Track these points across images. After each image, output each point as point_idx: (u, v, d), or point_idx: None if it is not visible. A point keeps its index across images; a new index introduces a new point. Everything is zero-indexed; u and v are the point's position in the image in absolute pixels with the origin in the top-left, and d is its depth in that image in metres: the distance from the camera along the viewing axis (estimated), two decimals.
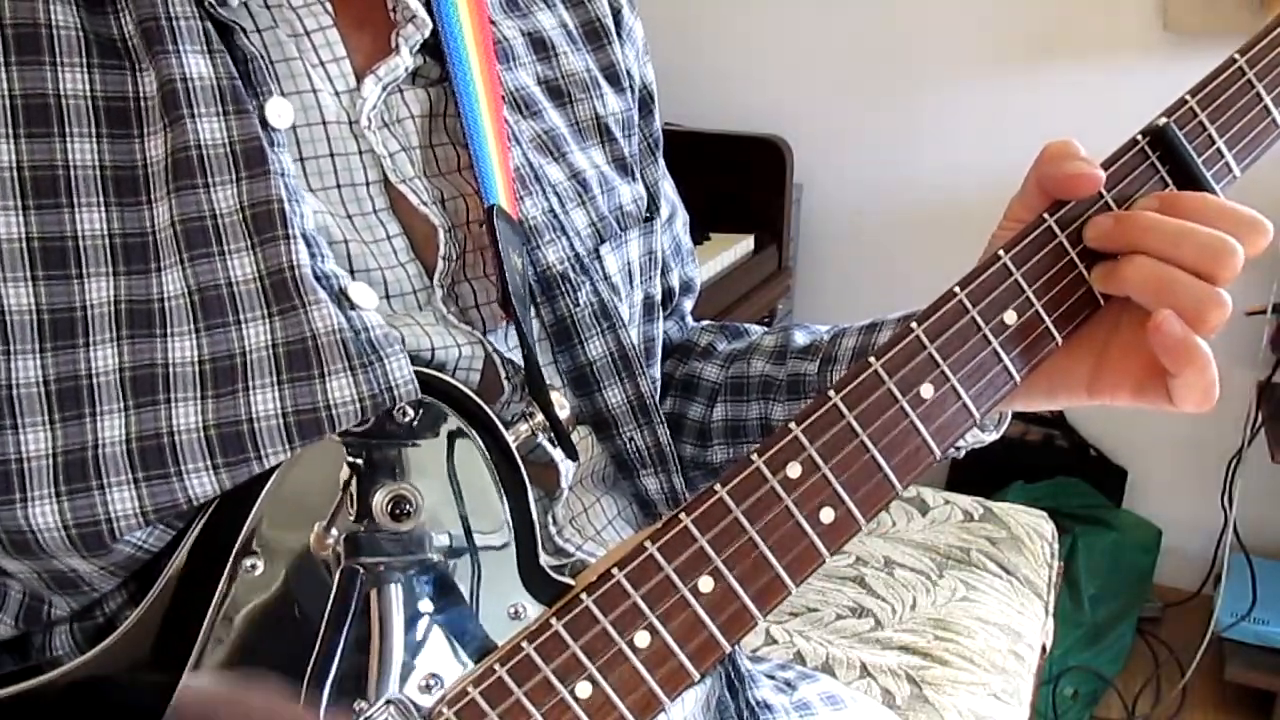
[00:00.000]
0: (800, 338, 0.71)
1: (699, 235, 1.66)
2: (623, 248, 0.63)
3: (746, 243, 1.81)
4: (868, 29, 2.06)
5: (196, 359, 0.43)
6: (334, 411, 0.43)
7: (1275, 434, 1.79)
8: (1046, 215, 0.49)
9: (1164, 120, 0.50)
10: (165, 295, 0.44)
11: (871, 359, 0.47)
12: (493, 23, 0.58)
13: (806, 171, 2.08)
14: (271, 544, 0.44)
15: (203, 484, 0.43)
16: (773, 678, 0.79)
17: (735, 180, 1.94)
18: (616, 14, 0.66)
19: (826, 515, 0.47)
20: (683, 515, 0.46)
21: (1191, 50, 1.83)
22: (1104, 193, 0.49)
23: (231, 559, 0.44)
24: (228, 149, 0.44)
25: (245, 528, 0.44)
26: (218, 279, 0.44)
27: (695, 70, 2.08)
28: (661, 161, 0.70)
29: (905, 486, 0.48)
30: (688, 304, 0.78)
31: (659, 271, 0.67)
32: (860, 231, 2.18)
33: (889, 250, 2.16)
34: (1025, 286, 0.49)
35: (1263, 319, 1.84)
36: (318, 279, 0.45)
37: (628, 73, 0.66)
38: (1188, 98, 0.50)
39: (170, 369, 0.43)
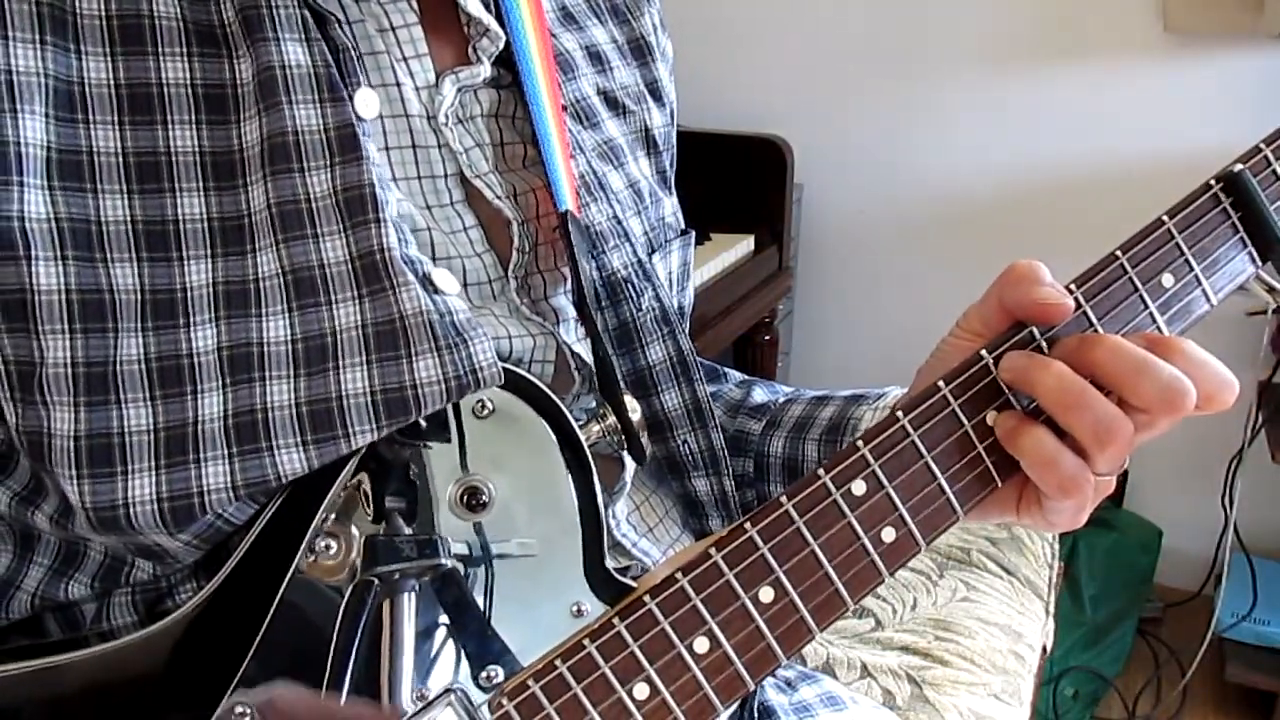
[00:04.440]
0: (759, 395, 0.73)
1: (699, 235, 1.66)
2: (667, 258, 0.65)
3: (746, 243, 1.81)
4: (868, 29, 2.06)
5: (289, 338, 0.45)
6: (420, 391, 0.45)
7: (1275, 434, 1.79)
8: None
9: (1239, 166, 0.50)
10: (260, 276, 0.45)
11: (940, 382, 0.48)
12: (552, 35, 0.60)
13: (806, 171, 2.08)
14: (346, 525, 0.45)
15: (292, 461, 0.44)
16: (774, 676, 0.79)
17: (735, 180, 1.94)
18: (655, 31, 0.68)
19: (888, 534, 0.47)
20: (748, 525, 0.46)
21: (1191, 50, 1.83)
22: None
23: (308, 537, 0.45)
24: (323, 135, 0.46)
25: (323, 506, 0.45)
26: (310, 260, 0.45)
27: (695, 70, 2.08)
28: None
29: (967, 512, 0.48)
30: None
31: (690, 282, 0.69)
32: (860, 231, 2.18)
33: (889, 250, 2.16)
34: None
35: (1263, 319, 1.84)
36: (405, 263, 0.46)
37: (664, 91, 0.68)
38: (1262, 146, 0.50)
39: (265, 348, 0.44)
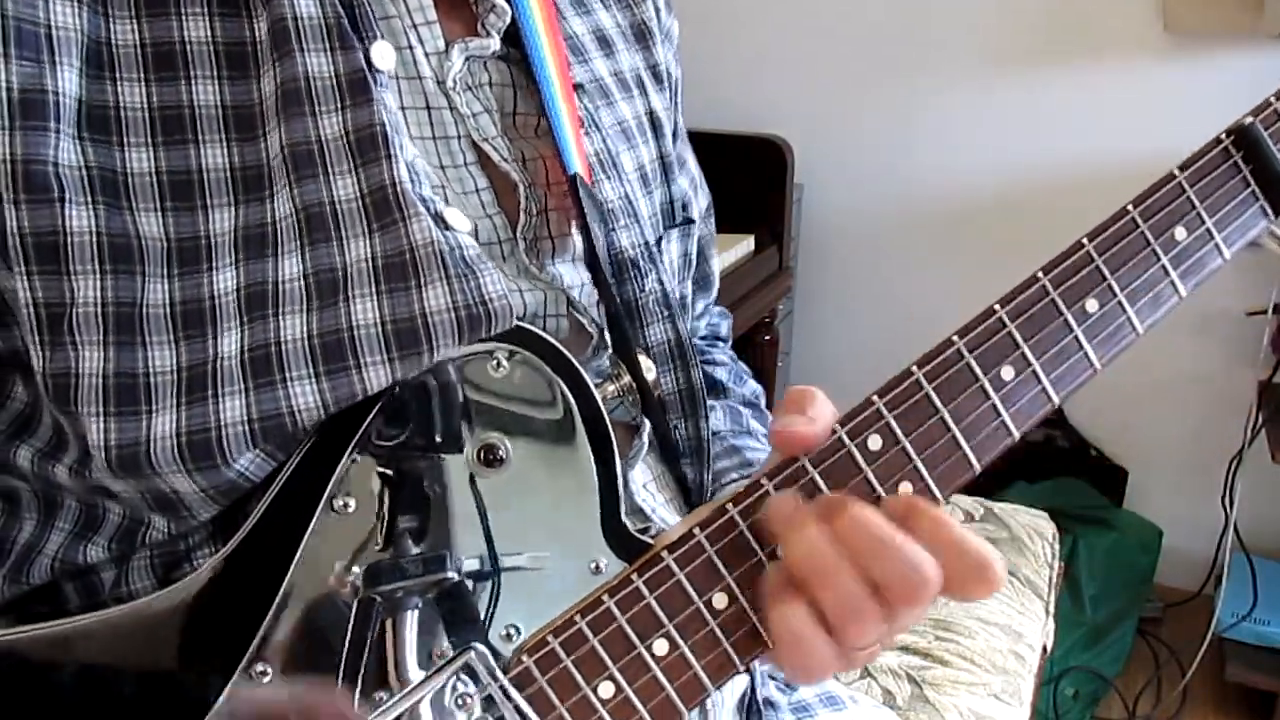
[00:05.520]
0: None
1: None
2: (669, 245, 0.66)
3: (746, 243, 1.81)
4: (868, 29, 2.06)
5: (301, 274, 0.46)
6: (430, 320, 0.45)
7: (1276, 434, 1.79)
8: (765, 480, 0.46)
9: (1250, 119, 0.50)
10: (277, 218, 0.46)
11: (954, 337, 0.47)
12: (563, 18, 0.62)
13: (806, 171, 2.09)
14: (365, 485, 0.46)
15: (305, 394, 0.44)
16: (774, 677, 0.79)
17: (735, 180, 1.94)
18: (658, 13, 0.69)
19: (905, 489, 0.47)
20: (764, 480, 0.46)
21: (1191, 50, 1.83)
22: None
23: (325, 496, 0.45)
24: (334, 80, 0.47)
25: (341, 464, 0.45)
26: (321, 199, 0.46)
27: (695, 70, 2.08)
28: (686, 141, 0.74)
29: (983, 467, 0.48)
30: (701, 303, 0.79)
31: (690, 273, 0.70)
32: (860, 231, 2.18)
33: (889, 250, 2.16)
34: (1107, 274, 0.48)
35: (1263, 319, 1.85)
36: (418, 198, 0.47)
37: (667, 71, 0.69)
38: (1272, 99, 0.50)
39: (280, 285, 0.46)
